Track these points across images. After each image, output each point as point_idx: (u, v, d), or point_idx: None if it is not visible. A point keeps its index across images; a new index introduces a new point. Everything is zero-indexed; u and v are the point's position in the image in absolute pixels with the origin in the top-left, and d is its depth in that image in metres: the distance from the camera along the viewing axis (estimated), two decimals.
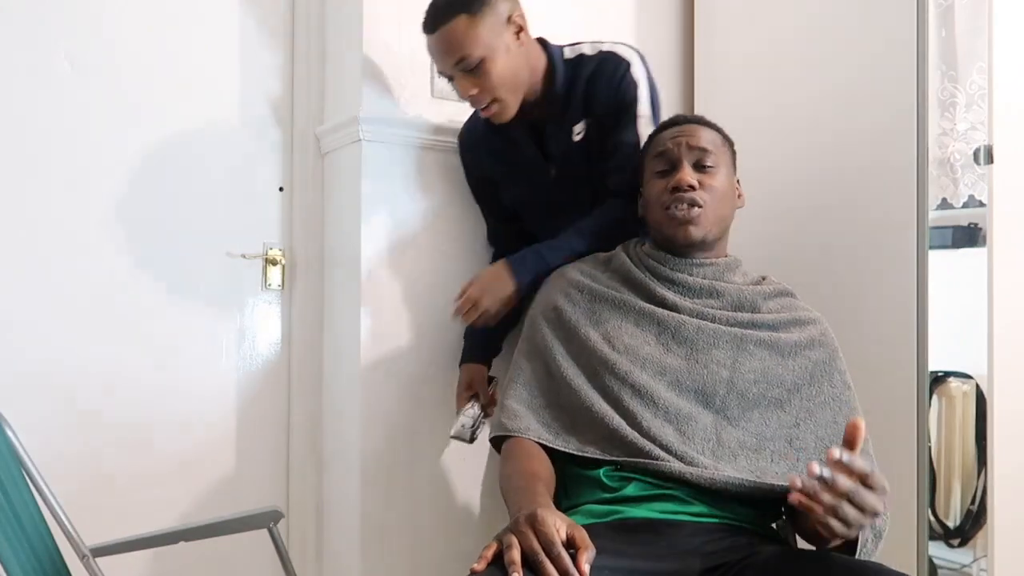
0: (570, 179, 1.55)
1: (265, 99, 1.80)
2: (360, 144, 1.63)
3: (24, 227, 1.56)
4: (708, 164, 1.30)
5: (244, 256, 1.77)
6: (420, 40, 1.71)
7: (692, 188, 1.28)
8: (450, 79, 1.48)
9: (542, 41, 1.56)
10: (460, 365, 1.68)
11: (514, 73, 1.47)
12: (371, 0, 1.66)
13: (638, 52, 1.53)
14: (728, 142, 1.37)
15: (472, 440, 1.59)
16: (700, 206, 1.28)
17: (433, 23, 1.44)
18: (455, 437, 1.59)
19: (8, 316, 1.54)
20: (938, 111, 2.37)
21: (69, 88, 1.60)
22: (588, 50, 1.54)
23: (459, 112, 1.71)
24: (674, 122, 1.37)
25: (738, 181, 1.38)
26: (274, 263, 1.80)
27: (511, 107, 1.49)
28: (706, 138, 1.32)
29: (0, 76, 1.54)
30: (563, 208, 1.56)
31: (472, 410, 1.59)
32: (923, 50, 1.58)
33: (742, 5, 1.97)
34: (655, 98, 1.52)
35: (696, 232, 1.29)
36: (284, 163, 1.82)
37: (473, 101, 1.48)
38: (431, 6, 1.45)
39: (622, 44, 1.53)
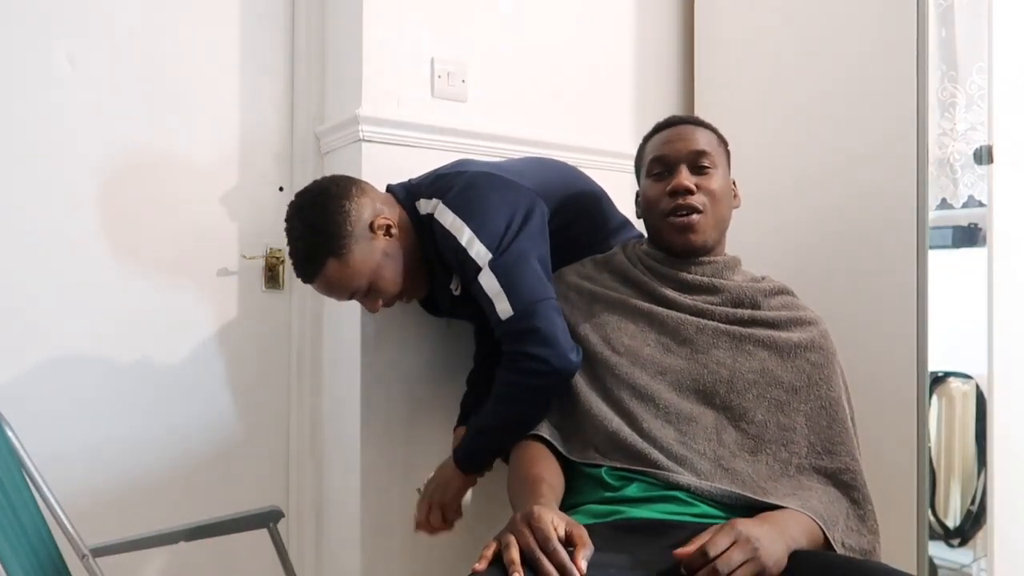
0: (471, 315, 1.51)
1: (265, 98, 1.80)
2: (360, 144, 1.63)
3: (23, 227, 1.56)
4: (705, 165, 1.29)
5: (244, 256, 1.77)
6: (420, 40, 1.71)
7: (691, 192, 1.26)
8: (349, 298, 1.43)
9: (402, 203, 1.45)
10: (454, 429, 1.62)
11: (404, 266, 1.41)
12: (371, 0, 1.66)
13: (462, 197, 1.36)
14: (724, 143, 1.36)
15: None
16: (700, 211, 1.27)
17: (305, 276, 1.39)
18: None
19: (8, 316, 1.54)
20: (938, 111, 2.36)
21: (69, 88, 1.60)
22: (429, 208, 1.40)
23: (459, 112, 1.71)
24: (670, 123, 1.35)
25: (734, 182, 1.37)
26: (274, 263, 1.80)
27: (422, 287, 1.48)
28: (703, 139, 1.31)
29: (0, 76, 1.54)
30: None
31: None
32: (923, 50, 1.58)
33: (742, 6, 1.97)
34: (498, 228, 1.32)
35: (696, 239, 1.28)
36: (284, 163, 1.82)
37: (386, 307, 1.46)
38: (294, 258, 1.39)
39: (447, 194, 1.38)
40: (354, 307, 1.64)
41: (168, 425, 1.68)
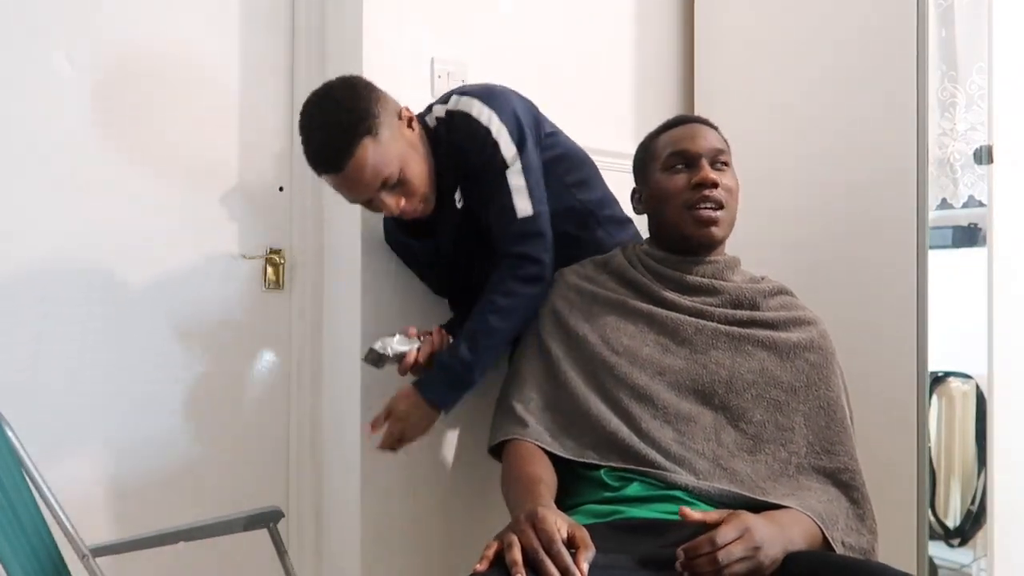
0: (464, 248, 1.49)
1: (265, 98, 1.80)
2: None
3: (23, 227, 1.56)
4: (724, 162, 1.30)
5: (244, 256, 1.77)
6: (420, 40, 1.71)
7: (716, 186, 1.27)
8: (368, 202, 1.36)
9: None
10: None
11: (427, 165, 1.38)
12: (371, 0, 1.66)
13: (484, 90, 1.41)
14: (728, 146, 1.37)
15: (378, 364, 1.43)
16: (723, 207, 1.28)
17: (336, 160, 1.29)
18: (367, 358, 1.43)
19: (7, 316, 1.54)
20: (938, 111, 2.37)
21: (69, 88, 1.60)
22: (441, 112, 1.43)
23: None
24: (684, 120, 1.36)
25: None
26: (274, 263, 1.80)
27: (433, 199, 1.40)
28: (719, 137, 1.33)
29: (0, 76, 1.54)
30: (469, 277, 1.51)
31: (405, 346, 1.42)
32: (923, 50, 1.58)
33: (742, 6, 1.97)
34: (521, 125, 1.38)
35: (718, 233, 1.29)
36: (284, 163, 1.82)
37: (402, 213, 1.37)
38: (320, 144, 1.30)
39: (466, 92, 1.41)
40: (354, 307, 1.64)
41: (168, 425, 1.68)
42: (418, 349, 1.41)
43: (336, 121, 1.29)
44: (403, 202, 1.35)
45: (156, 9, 1.68)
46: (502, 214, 1.35)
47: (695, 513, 0.99)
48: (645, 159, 1.37)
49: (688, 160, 1.29)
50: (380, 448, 1.45)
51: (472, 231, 1.46)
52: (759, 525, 0.98)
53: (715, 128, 1.35)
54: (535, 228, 1.37)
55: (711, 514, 1.01)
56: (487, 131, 1.35)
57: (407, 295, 1.67)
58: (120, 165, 1.65)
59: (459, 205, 1.43)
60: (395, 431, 1.41)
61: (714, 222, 1.27)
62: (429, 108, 1.48)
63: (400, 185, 1.34)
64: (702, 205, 1.27)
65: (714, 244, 1.30)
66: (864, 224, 1.66)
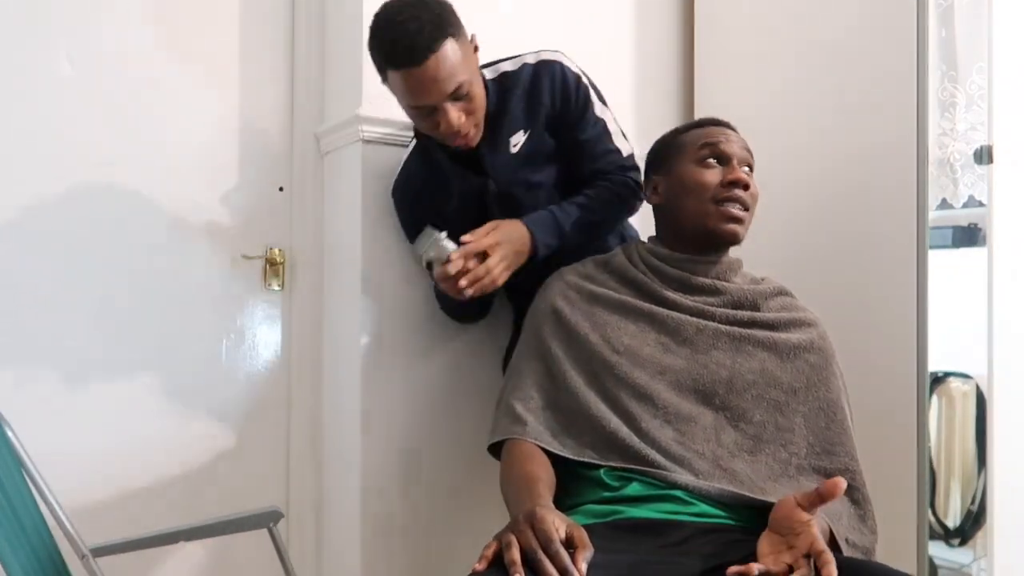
0: (510, 193, 1.51)
1: (265, 99, 1.80)
2: (360, 144, 1.63)
3: (22, 227, 1.56)
4: (751, 169, 1.33)
5: (244, 256, 1.77)
6: None
7: (747, 187, 1.29)
8: (430, 112, 1.34)
9: None
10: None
11: (484, 93, 1.41)
12: (371, 0, 1.66)
13: (559, 52, 1.51)
14: None
15: (430, 265, 1.41)
16: (748, 210, 1.30)
17: (419, 52, 1.27)
18: (427, 253, 1.40)
19: (7, 316, 1.54)
20: (938, 111, 2.37)
21: (69, 88, 1.60)
22: (510, 66, 1.48)
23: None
24: (714, 122, 1.37)
25: None
26: (274, 263, 1.80)
27: (482, 130, 1.42)
28: (747, 145, 1.35)
29: (0, 76, 1.54)
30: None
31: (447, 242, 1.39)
32: (923, 50, 1.58)
33: (742, 6, 1.97)
34: (592, 84, 1.53)
35: (741, 232, 1.31)
36: (284, 163, 1.82)
37: (457, 132, 1.36)
38: (403, 35, 1.28)
39: (543, 50, 1.50)
40: (354, 307, 1.64)
41: (168, 425, 1.68)
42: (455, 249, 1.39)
43: (423, 16, 1.29)
44: (464, 119, 1.36)
45: (156, 9, 1.68)
46: (608, 151, 1.51)
47: (755, 567, 0.96)
48: (670, 151, 1.37)
49: (721, 158, 1.31)
50: (461, 287, 1.36)
51: (522, 180, 1.51)
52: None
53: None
54: (636, 164, 1.53)
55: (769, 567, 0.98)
56: (578, 78, 1.48)
57: (407, 295, 1.67)
58: (120, 165, 1.65)
59: (514, 150, 1.48)
60: (494, 262, 1.36)
61: (740, 220, 1.29)
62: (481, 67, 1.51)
63: (467, 100, 1.35)
64: (731, 203, 1.29)
65: (734, 242, 1.32)
66: (864, 224, 1.66)
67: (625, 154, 1.54)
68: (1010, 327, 1.57)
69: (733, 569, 0.95)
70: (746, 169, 1.32)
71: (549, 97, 1.46)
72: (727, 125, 1.38)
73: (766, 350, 1.25)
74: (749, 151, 1.35)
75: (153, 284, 1.67)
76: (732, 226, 1.29)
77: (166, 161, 1.69)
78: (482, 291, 1.38)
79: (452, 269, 1.36)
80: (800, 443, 1.20)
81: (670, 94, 2.13)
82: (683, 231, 1.33)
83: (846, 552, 1.10)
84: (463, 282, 1.36)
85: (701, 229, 1.30)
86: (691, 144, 1.34)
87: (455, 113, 1.34)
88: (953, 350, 2.19)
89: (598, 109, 1.51)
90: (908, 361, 1.57)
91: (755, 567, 0.95)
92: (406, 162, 1.58)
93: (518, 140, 1.48)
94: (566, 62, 1.49)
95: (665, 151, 1.39)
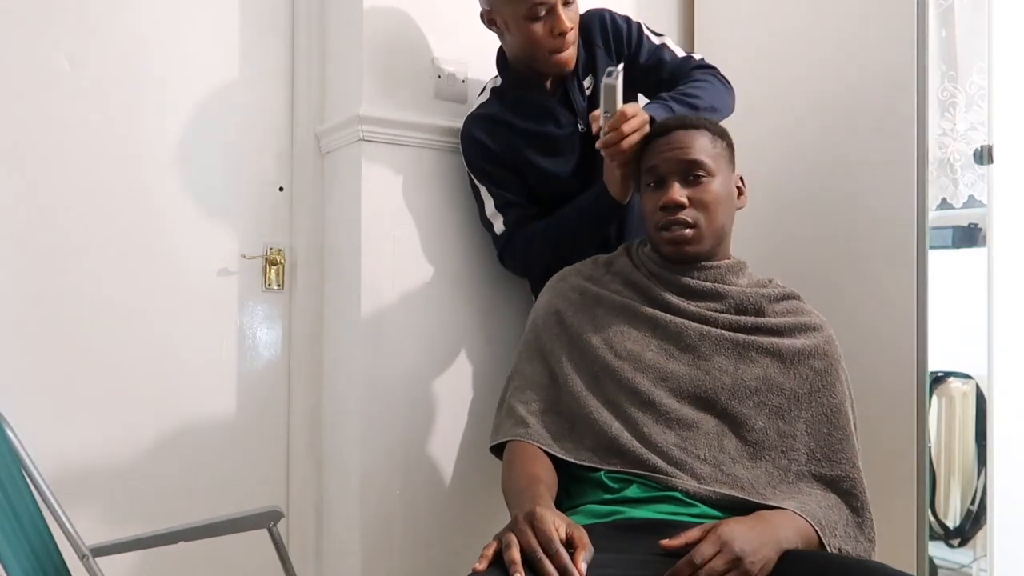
0: (587, 170, 1.58)
1: (265, 99, 1.80)
2: (360, 144, 1.63)
3: (23, 227, 1.56)
4: (699, 175, 1.26)
5: (244, 256, 1.77)
6: (420, 40, 1.71)
7: (681, 207, 1.25)
8: (547, 13, 1.46)
9: None
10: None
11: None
12: (371, 0, 1.66)
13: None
14: (724, 141, 1.32)
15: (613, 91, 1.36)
16: (692, 226, 1.26)
17: None
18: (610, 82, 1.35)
19: (7, 316, 1.54)
20: (938, 111, 2.36)
21: (69, 88, 1.60)
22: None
23: (459, 112, 1.71)
24: (666, 129, 1.31)
25: (741, 178, 1.35)
26: (274, 263, 1.80)
27: (575, 53, 1.55)
28: (697, 146, 1.27)
29: (0, 76, 1.54)
30: (594, 169, 1.52)
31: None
32: (923, 50, 1.58)
33: (741, 7, 1.97)
34: (642, 23, 1.64)
35: (689, 250, 1.28)
36: (284, 163, 1.82)
37: (562, 41, 1.49)
38: None
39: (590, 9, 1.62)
40: (354, 307, 1.64)
41: (168, 425, 1.68)
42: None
43: None
44: (570, 25, 1.48)
45: (156, 9, 1.68)
46: (678, 60, 1.60)
47: (674, 540, 1.01)
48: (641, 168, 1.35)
49: (659, 178, 1.29)
50: (613, 142, 1.33)
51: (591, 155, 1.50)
52: (738, 534, 0.99)
53: (704, 127, 1.30)
54: (712, 65, 1.63)
55: (692, 533, 1.02)
56: (627, 19, 1.61)
57: (407, 295, 1.67)
58: (120, 165, 1.65)
59: (589, 92, 1.59)
60: (635, 124, 1.32)
61: (684, 241, 1.26)
62: None
63: (574, 9, 1.49)
64: (670, 227, 1.26)
65: (689, 259, 1.28)
66: (864, 224, 1.66)
67: (697, 58, 1.62)
68: (1010, 327, 1.57)
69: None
70: (696, 175, 1.25)
71: (602, 39, 1.58)
72: (678, 126, 1.29)
73: (769, 356, 1.24)
74: (702, 150, 1.27)
75: (153, 283, 1.67)
76: (677, 248, 1.27)
77: (166, 160, 1.69)
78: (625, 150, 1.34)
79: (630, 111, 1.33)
80: (801, 449, 1.20)
81: None
82: (654, 250, 1.35)
83: None
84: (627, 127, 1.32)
85: (660, 253, 1.32)
86: (643, 166, 1.33)
87: (564, 18, 1.47)
88: (953, 350, 2.19)
89: (653, 39, 1.61)
90: (908, 361, 1.57)
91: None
92: (482, 102, 1.65)
93: (588, 84, 1.60)
94: (612, 10, 1.62)
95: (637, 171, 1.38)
